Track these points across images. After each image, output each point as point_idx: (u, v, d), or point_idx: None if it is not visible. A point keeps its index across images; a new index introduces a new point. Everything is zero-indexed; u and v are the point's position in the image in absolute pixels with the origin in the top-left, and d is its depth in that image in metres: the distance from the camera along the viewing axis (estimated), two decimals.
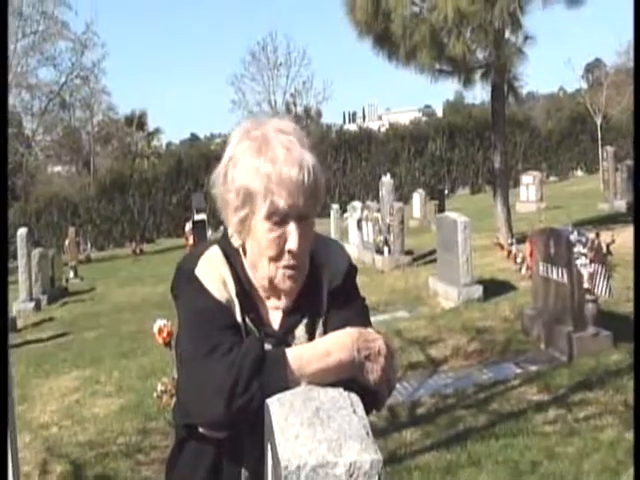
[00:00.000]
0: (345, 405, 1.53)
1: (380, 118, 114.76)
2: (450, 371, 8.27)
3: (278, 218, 1.87)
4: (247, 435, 1.83)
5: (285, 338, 1.95)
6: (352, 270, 2.09)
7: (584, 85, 55.37)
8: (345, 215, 22.17)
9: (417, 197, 28.58)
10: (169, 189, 44.12)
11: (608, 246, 8.74)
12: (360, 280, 2.14)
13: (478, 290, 11.06)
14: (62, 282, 21.69)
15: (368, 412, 1.59)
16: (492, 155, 17.90)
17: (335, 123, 59.01)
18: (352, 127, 61.49)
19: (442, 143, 46.99)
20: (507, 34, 16.21)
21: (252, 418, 1.71)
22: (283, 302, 1.99)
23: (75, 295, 20.23)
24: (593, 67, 63.04)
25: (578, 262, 7.82)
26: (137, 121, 57.10)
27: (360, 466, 1.37)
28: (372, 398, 1.80)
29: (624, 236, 10.04)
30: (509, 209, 16.97)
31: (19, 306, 17.02)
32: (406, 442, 6.22)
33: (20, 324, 15.19)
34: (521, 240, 14.33)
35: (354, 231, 19.38)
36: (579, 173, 48.92)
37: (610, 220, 17.20)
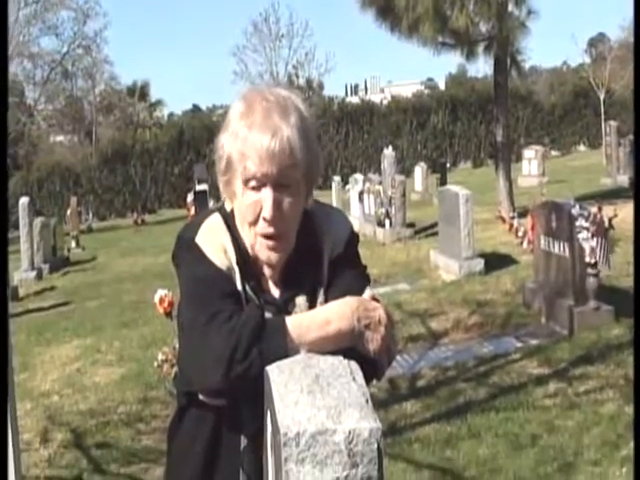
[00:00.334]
0: (344, 373, 1.52)
1: (382, 91, 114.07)
2: (451, 344, 8.29)
3: (255, 184, 1.86)
4: (247, 402, 1.82)
5: (285, 306, 1.95)
6: (354, 238, 2.08)
7: (587, 59, 54.91)
8: (347, 187, 22.11)
9: (419, 170, 28.45)
10: (171, 160, 43.94)
11: (610, 220, 8.71)
12: (361, 252, 2.12)
13: (479, 263, 11.06)
14: (64, 252, 21.66)
15: (368, 382, 1.58)
16: (494, 129, 17.84)
17: (337, 95, 58.44)
18: (354, 99, 61.16)
19: (444, 116, 46.69)
20: (510, 7, 16.10)
21: (251, 385, 1.70)
22: (268, 272, 1.98)
23: (77, 265, 20.24)
24: (597, 41, 62.72)
25: (580, 236, 7.79)
26: (139, 91, 56.92)
27: (359, 433, 1.37)
28: (372, 367, 1.80)
29: (626, 211, 10.00)
30: (511, 183, 16.92)
31: (21, 275, 17.06)
32: (406, 414, 6.25)
33: (22, 293, 15.24)
34: (523, 214, 14.32)
35: (355, 203, 19.34)
36: (582, 148, 48.68)
37: (613, 195, 17.13)
